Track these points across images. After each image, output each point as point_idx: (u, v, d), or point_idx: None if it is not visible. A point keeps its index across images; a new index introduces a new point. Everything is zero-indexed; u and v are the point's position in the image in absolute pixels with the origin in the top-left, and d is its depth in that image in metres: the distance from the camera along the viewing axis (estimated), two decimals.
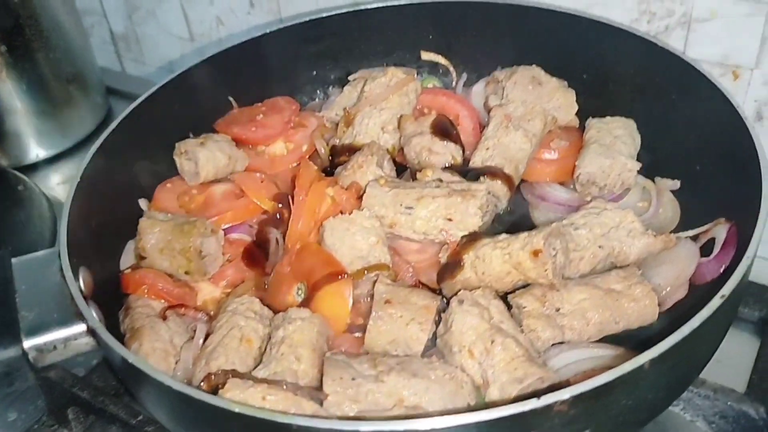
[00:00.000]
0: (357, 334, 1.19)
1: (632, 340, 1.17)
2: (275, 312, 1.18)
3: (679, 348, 0.88)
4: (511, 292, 1.20)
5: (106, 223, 1.33)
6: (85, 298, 1.09)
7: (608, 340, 1.17)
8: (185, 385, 0.94)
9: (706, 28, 1.51)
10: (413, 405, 1.01)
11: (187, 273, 1.28)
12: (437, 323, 1.15)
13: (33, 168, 2.01)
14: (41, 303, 1.15)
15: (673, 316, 1.19)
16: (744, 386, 1.24)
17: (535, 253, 1.15)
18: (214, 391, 1.00)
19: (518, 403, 0.84)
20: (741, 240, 1.10)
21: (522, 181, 1.44)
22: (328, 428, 0.84)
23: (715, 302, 0.90)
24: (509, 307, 1.17)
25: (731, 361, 1.31)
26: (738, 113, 1.19)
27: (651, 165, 1.39)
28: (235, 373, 1.05)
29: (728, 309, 0.97)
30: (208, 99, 1.58)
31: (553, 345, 1.14)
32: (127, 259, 1.35)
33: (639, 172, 1.36)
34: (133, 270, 1.31)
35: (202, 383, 1.05)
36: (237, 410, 0.88)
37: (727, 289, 0.92)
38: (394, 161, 1.47)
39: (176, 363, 1.14)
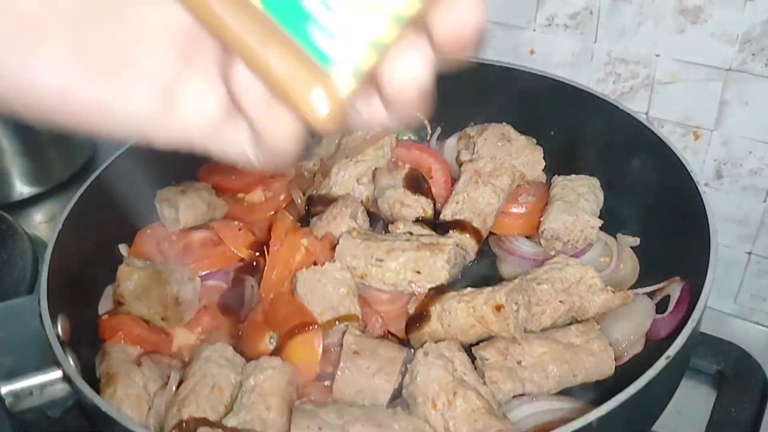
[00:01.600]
0: (326, 383, 1.23)
1: (590, 393, 1.22)
2: (248, 359, 1.22)
3: (627, 406, 0.93)
4: (476, 344, 1.25)
5: (85, 269, 1.37)
6: (62, 344, 1.13)
7: (567, 392, 1.22)
8: None
9: (669, 90, 1.59)
10: None
11: (163, 319, 1.32)
12: (404, 374, 1.19)
13: (16, 206, 2.03)
14: (19, 349, 1.17)
15: (630, 370, 1.24)
16: None
17: (498, 308, 1.20)
18: None
19: None
20: (693, 300, 1.15)
21: (490, 234, 1.50)
22: None
23: (661, 362, 0.96)
24: (473, 358, 1.22)
25: (688, 413, 1.36)
26: (691, 176, 1.26)
27: (613, 222, 1.45)
28: (205, 421, 1.08)
29: (676, 367, 1.03)
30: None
31: (513, 397, 1.19)
32: (105, 304, 1.39)
33: (601, 228, 1.42)
34: (110, 315, 1.35)
35: (173, 430, 1.09)
36: None
37: (672, 350, 0.98)
38: (369, 212, 1.53)
39: (149, 409, 1.17)
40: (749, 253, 1.69)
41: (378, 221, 1.53)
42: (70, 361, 1.11)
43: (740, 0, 1.43)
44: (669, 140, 1.36)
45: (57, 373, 1.13)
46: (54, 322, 1.15)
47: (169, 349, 1.31)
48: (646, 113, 1.63)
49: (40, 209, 2.07)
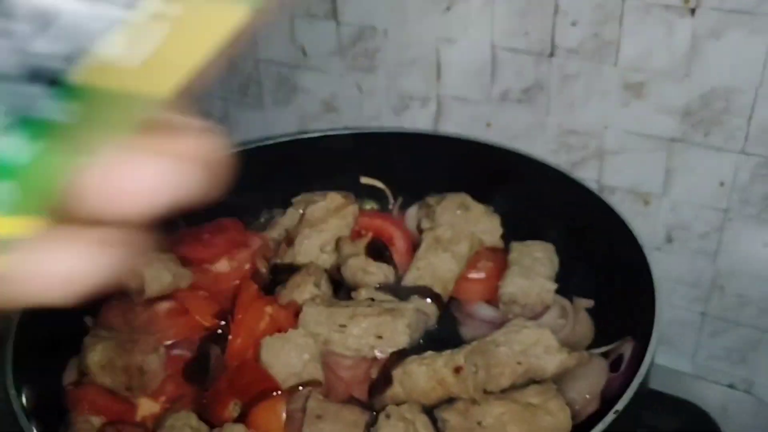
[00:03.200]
0: None
1: None
2: (212, 426, 1.24)
3: None
4: (437, 406, 1.28)
5: (51, 340, 1.38)
6: (27, 415, 1.14)
7: None
8: None
9: (618, 160, 1.67)
10: None
11: (128, 389, 1.33)
12: None
13: None
14: None
15: (587, 427, 1.27)
16: None
17: (457, 370, 1.24)
18: None
19: None
20: (642, 357, 1.20)
21: (451, 298, 1.54)
22: None
23: (609, 417, 0.99)
24: (435, 420, 1.25)
25: None
26: (637, 241, 1.33)
27: (568, 286, 1.50)
28: None
29: (627, 423, 1.06)
30: (158, 220, 1.67)
31: None
32: (70, 375, 1.40)
33: (557, 292, 1.47)
34: (75, 386, 1.36)
35: None
36: None
37: (620, 404, 1.02)
38: (333, 280, 1.56)
39: None
40: (703, 314, 1.75)
41: (342, 289, 1.57)
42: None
43: (678, 76, 1.53)
44: (617, 207, 1.43)
45: None
46: (19, 394, 1.16)
47: (133, 418, 1.32)
48: (598, 181, 1.71)
49: None
